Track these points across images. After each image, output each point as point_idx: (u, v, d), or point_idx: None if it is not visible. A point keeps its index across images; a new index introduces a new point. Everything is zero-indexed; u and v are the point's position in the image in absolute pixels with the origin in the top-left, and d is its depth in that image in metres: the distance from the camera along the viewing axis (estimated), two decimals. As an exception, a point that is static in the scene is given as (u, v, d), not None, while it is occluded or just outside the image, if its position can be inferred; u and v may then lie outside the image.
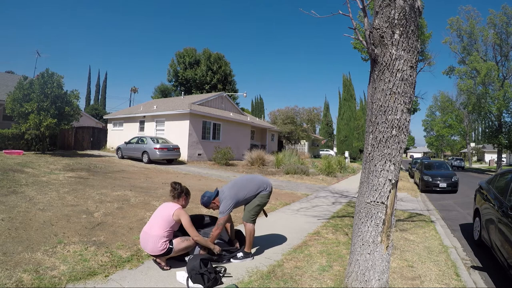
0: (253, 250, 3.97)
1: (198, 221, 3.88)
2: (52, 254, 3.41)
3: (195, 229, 3.45)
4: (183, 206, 3.53)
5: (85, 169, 10.10)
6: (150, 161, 14.69)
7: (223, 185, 3.93)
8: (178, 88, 37.25)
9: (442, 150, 65.32)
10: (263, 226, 5.25)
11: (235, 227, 4.20)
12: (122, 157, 16.06)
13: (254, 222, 3.77)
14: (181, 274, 3.09)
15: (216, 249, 3.53)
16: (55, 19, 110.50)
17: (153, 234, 3.26)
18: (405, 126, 2.35)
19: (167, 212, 3.37)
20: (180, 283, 3.00)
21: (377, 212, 2.37)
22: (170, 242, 3.32)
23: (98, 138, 21.74)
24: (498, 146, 28.75)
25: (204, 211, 5.96)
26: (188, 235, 3.45)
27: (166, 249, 3.26)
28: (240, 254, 3.70)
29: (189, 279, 2.96)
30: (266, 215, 4.25)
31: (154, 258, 3.40)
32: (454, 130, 38.10)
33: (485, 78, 26.79)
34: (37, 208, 5.05)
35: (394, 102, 2.31)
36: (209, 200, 3.69)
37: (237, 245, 3.82)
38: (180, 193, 3.52)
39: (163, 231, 3.27)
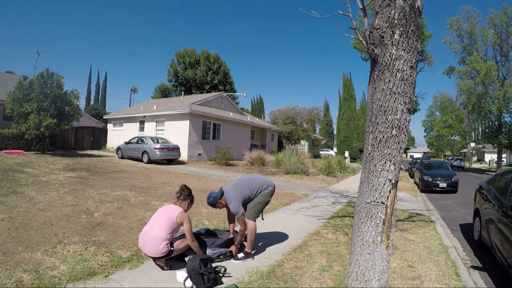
0: (253, 251, 3.98)
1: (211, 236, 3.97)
2: (52, 254, 3.41)
3: (193, 235, 3.47)
4: (185, 210, 3.54)
5: (85, 169, 10.10)
6: (150, 161, 14.69)
7: (226, 185, 3.97)
8: (178, 88, 37.25)
9: (442, 150, 65.31)
10: (263, 226, 5.25)
11: (234, 228, 4.21)
12: (122, 157, 16.06)
13: (255, 220, 3.80)
14: (181, 274, 3.09)
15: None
16: (55, 19, 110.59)
17: (155, 236, 3.24)
18: (405, 126, 2.35)
19: (171, 215, 3.35)
20: (180, 283, 3.00)
21: (377, 212, 2.37)
22: (171, 244, 3.31)
23: (98, 138, 21.73)
24: (498, 146, 28.75)
25: (204, 211, 5.96)
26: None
27: (168, 251, 3.26)
28: (241, 255, 3.70)
29: (189, 279, 2.96)
30: (262, 218, 4.26)
31: (154, 260, 3.39)
32: (454, 130, 38.13)
33: (485, 78, 26.80)
34: (37, 208, 5.05)
35: (394, 102, 2.31)
36: (215, 200, 3.78)
37: (233, 249, 3.81)
38: (187, 196, 3.56)
39: (166, 234, 3.26)
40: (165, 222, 3.30)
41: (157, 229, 3.28)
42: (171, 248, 3.29)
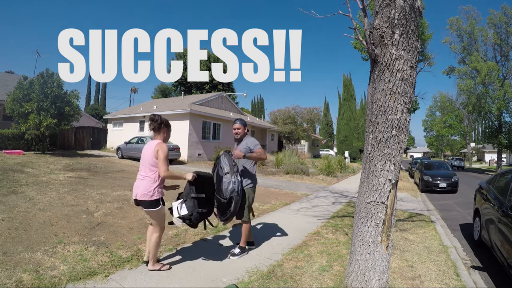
0: (253, 251, 4.00)
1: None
2: (52, 254, 3.41)
3: (168, 165, 3.12)
4: (164, 140, 3.27)
5: (85, 169, 10.10)
6: (150, 161, 14.66)
7: None
8: (178, 88, 37.26)
9: (442, 150, 65.27)
10: (263, 226, 5.25)
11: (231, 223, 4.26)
12: (122, 157, 16.05)
13: (247, 220, 3.81)
14: (176, 204, 3.24)
15: (189, 176, 3.24)
16: (55, 19, 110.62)
17: (141, 175, 3.13)
18: (405, 126, 2.35)
19: (149, 151, 3.13)
20: (177, 220, 3.22)
21: (377, 212, 2.37)
22: (160, 191, 3.16)
23: (98, 138, 21.74)
24: (498, 146, 28.75)
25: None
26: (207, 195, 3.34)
27: (154, 194, 3.05)
28: (237, 250, 3.77)
29: (184, 205, 3.14)
30: (253, 215, 4.18)
31: (152, 268, 3.21)
32: (454, 130, 38.09)
33: (485, 78, 26.80)
34: (37, 208, 5.05)
35: (394, 102, 2.31)
36: (245, 122, 3.95)
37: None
38: (160, 124, 3.24)
39: (150, 172, 3.09)
40: (147, 161, 3.12)
41: (142, 169, 3.15)
42: (158, 197, 3.10)
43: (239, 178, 3.48)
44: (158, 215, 3.18)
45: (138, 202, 3.14)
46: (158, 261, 3.37)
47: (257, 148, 3.75)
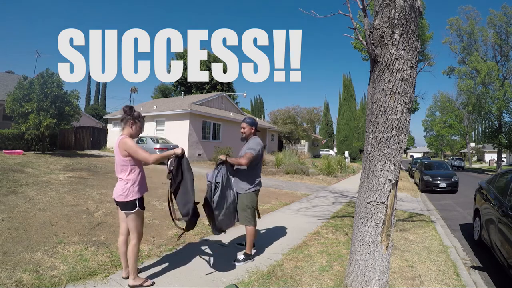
0: (253, 251, 3.98)
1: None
2: (52, 254, 3.41)
3: (144, 151, 2.92)
4: (131, 135, 3.00)
5: (85, 169, 10.09)
6: (150, 161, 14.66)
7: None
8: (178, 88, 37.28)
9: (442, 150, 65.29)
10: (263, 226, 5.25)
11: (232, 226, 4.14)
12: (122, 157, 16.03)
13: (252, 224, 3.66)
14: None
15: (178, 150, 3.11)
16: (56, 18, 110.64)
17: (117, 178, 2.97)
18: (405, 126, 2.35)
19: (116, 150, 2.92)
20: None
21: (377, 212, 2.37)
22: (137, 191, 2.93)
23: (98, 138, 21.72)
24: (498, 146, 28.78)
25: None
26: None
27: (131, 197, 2.85)
28: (241, 257, 3.68)
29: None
30: (259, 216, 4.03)
31: (133, 284, 2.88)
32: (454, 130, 38.15)
33: (485, 78, 26.83)
34: (37, 208, 5.05)
35: (394, 102, 2.31)
36: (253, 121, 3.81)
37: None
38: (127, 118, 2.96)
39: (121, 173, 2.91)
40: (117, 161, 2.92)
41: (115, 170, 2.96)
42: (134, 197, 2.87)
43: (217, 171, 3.37)
44: (135, 218, 2.91)
45: (117, 202, 3.01)
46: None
47: (245, 151, 3.58)
